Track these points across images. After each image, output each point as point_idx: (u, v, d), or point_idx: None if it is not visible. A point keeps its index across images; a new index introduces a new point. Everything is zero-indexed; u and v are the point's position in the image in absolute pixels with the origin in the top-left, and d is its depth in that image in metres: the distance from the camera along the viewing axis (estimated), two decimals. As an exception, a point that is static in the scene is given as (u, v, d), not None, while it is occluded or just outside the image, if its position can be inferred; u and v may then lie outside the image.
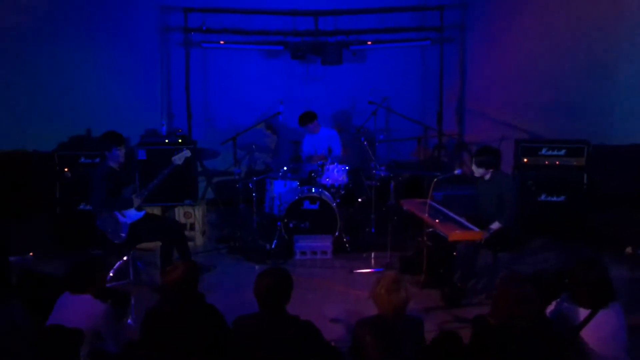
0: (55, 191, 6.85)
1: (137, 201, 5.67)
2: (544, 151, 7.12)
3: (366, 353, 3.39)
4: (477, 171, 5.58)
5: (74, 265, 3.86)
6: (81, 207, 6.83)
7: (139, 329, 3.69)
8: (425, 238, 5.55)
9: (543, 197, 7.03)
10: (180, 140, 7.31)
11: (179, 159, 5.83)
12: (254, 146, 7.51)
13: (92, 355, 3.52)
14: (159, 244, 6.05)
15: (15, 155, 7.19)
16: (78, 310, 3.68)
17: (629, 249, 6.25)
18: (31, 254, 6.51)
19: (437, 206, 5.66)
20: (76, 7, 7.68)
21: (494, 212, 5.52)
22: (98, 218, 5.64)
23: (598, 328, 3.51)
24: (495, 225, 5.39)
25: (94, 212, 5.74)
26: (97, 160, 6.74)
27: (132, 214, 5.68)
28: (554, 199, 7.02)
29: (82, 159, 6.90)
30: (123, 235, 5.60)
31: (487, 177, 5.59)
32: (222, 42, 7.95)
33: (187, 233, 6.97)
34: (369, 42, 8.08)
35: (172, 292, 3.63)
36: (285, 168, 7.19)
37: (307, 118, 7.47)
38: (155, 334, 3.56)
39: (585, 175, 6.97)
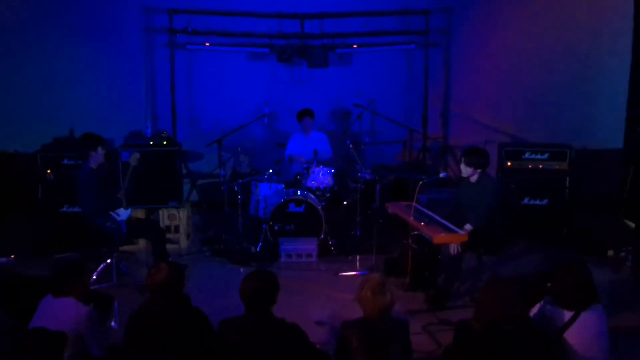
0: (38, 193, 6.77)
1: (125, 200, 5.78)
2: (527, 155, 7.18)
3: (351, 355, 3.39)
4: (465, 171, 5.58)
5: (56, 268, 3.81)
6: (64, 209, 6.75)
7: (123, 332, 3.66)
8: (410, 241, 5.57)
9: (526, 200, 7.10)
10: (164, 142, 7.26)
11: (134, 160, 5.91)
12: (239, 148, 7.49)
13: (74, 358, 3.47)
14: (142, 246, 6.05)
15: (-3, 156, 7.12)
16: (61, 313, 3.64)
17: (611, 252, 6.33)
18: (12, 256, 6.43)
19: (422, 209, 5.67)
20: (60, 7, 7.62)
21: (478, 216, 5.52)
22: (97, 218, 5.67)
23: (581, 330, 3.54)
24: (467, 227, 5.40)
25: (87, 215, 5.72)
26: (80, 162, 6.67)
27: (122, 212, 5.81)
28: (537, 202, 7.09)
29: (65, 161, 6.85)
30: (124, 230, 5.76)
31: (474, 179, 5.58)
32: (207, 44, 7.92)
33: (171, 235, 6.96)
34: (355, 46, 8.10)
35: (157, 295, 3.60)
36: (270, 170, 7.17)
37: (308, 114, 7.47)
38: (139, 336, 3.52)
39: (567, 179, 7.04)
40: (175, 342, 3.40)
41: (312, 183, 7.00)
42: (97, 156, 5.72)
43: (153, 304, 3.62)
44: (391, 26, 8.13)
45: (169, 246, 6.34)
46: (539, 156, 7.17)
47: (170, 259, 5.91)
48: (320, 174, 7.03)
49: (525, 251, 6.71)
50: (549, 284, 3.76)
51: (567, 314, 3.58)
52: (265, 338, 3.37)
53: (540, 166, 7.15)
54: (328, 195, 7.06)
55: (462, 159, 5.60)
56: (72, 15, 7.68)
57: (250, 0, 7.97)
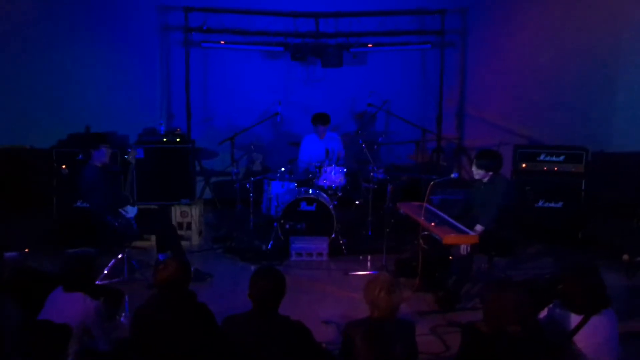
0: (52, 188, 6.83)
1: (130, 197, 5.88)
2: (542, 157, 7.10)
3: (356, 355, 3.37)
4: (477, 173, 5.55)
5: (67, 263, 3.84)
6: (78, 204, 6.81)
7: (130, 326, 3.67)
8: (421, 241, 5.53)
9: (541, 203, 7.02)
10: (178, 139, 7.30)
11: (131, 158, 6.00)
12: (252, 146, 7.50)
13: (81, 353, 3.49)
14: (154, 242, 6.09)
15: (13, 152, 7.20)
16: (69, 306, 3.67)
17: (625, 257, 6.23)
18: (26, 250, 6.49)
19: (434, 209, 5.64)
20: (76, 5, 7.69)
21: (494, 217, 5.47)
22: (108, 215, 5.73)
23: (591, 334, 3.49)
24: (478, 228, 5.37)
25: (97, 212, 5.78)
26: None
27: (130, 209, 5.85)
28: (552, 205, 7.01)
29: (80, 156, 6.88)
30: (135, 226, 5.80)
31: (486, 180, 5.56)
32: (222, 42, 7.95)
33: (183, 232, 6.98)
34: (370, 45, 8.08)
35: (163, 290, 3.61)
36: (282, 169, 7.17)
37: (322, 121, 7.35)
38: (145, 332, 3.53)
39: (583, 182, 6.95)
40: (179, 338, 3.41)
41: (324, 182, 6.99)
42: (100, 155, 5.77)
43: (159, 300, 3.62)
44: (406, 26, 8.09)
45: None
46: (554, 158, 7.08)
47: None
48: (333, 173, 7.00)
49: (538, 254, 6.65)
50: (560, 287, 3.71)
51: (577, 318, 3.53)
52: (269, 335, 3.36)
53: (556, 168, 7.06)
54: (340, 194, 7.04)
55: (474, 161, 5.58)
56: (89, 13, 7.75)
57: (266, -2, 7.99)
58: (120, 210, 5.78)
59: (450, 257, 5.34)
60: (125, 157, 5.98)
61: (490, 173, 5.51)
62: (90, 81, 7.88)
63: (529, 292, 3.45)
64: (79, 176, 5.91)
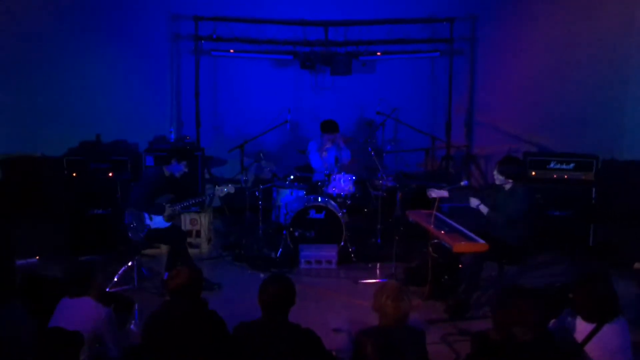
0: (64, 196, 6.87)
1: (168, 211, 5.82)
2: (552, 165, 7.07)
3: (367, 363, 3.37)
4: (498, 178, 5.53)
5: (69, 270, 3.86)
6: (88, 212, 6.84)
7: (141, 333, 3.69)
8: (430, 249, 5.52)
9: (551, 210, 6.98)
10: (187, 147, 7.33)
11: (220, 191, 6.08)
12: (261, 154, 7.52)
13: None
14: (164, 250, 6.11)
15: (25, 160, 7.25)
16: (80, 313, 3.69)
17: (637, 265, 6.19)
18: (37, 257, 6.54)
19: (443, 217, 5.64)
20: (87, 14, 7.76)
21: (504, 225, 5.45)
22: (128, 211, 5.77)
23: (603, 343, 3.46)
24: (483, 209, 5.43)
25: (127, 206, 5.83)
26: (105, 165, 6.80)
27: (159, 221, 5.84)
28: (562, 213, 6.97)
29: (91, 165, 6.93)
30: (142, 235, 5.78)
31: (507, 187, 5.53)
32: (232, 50, 7.99)
33: (192, 240, 7.00)
34: (379, 53, 8.10)
35: (175, 297, 3.62)
36: (292, 177, 7.18)
37: (333, 127, 7.33)
38: (156, 339, 3.55)
39: (593, 190, 6.90)
40: (191, 346, 3.42)
41: (333, 190, 6.99)
42: (175, 168, 5.84)
43: (171, 307, 3.64)
44: (415, 34, 8.10)
45: (190, 250, 6.36)
46: (564, 166, 7.05)
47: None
48: (342, 181, 7.01)
49: (549, 262, 6.62)
50: (570, 295, 3.69)
51: (589, 326, 3.51)
52: (280, 343, 3.36)
53: (566, 176, 7.03)
54: (349, 202, 7.04)
55: (497, 167, 5.54)
56: (100, 23, 7.81)
57: (275, 7, 8.03)
58: (145, 214, 5.77)
59: (460, 265, 5.33)
60: (216, 189, 6.05)
61: (511, 180, 5.48)
62: (101, 89, 7.93)
63: (539, 300, 3.43)
64: (142, 175, 5.97)
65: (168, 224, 5.89)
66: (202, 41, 7.96)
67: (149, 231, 5.81)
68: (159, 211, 5.78)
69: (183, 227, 7.04)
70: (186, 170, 5.91)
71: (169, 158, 5.86)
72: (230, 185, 6.12)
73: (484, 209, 5.46)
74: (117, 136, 7.83)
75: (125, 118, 7.91)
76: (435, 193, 5.49)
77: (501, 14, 8.10)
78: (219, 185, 6.08)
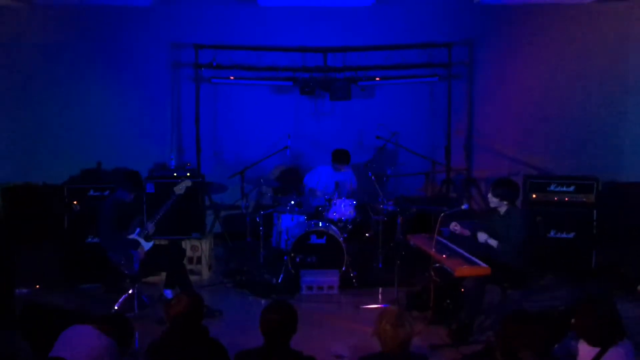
0: (64, 223, 6.87)
1: (142, 239, 5.84)
2: (552, 187, 7.07)
3: (370, 390, 3.33)
4: (492, 201, 5.59)
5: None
6: (89, 240, 6.83)
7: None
8: (432, 274, 5.50)
9: (552, 233, 6.97)
10: (188, 174, 7.35)
11: (179, 188, 6.05)
12: (261, 180, 7.53)
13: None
14: (163, 278, 6.09)
15: (25, 188, 7.26)
16: (82, 342, 3.66)
17: (640, 288, 6.16)
18: (37, 286, 6.51)
19: (444, 241, 5.62)
20: (88, 43, 7.85)
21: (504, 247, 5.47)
22: (109, 251, 5.71)
23: (608, 367, 3.43)
24: (492, 242, 5.40)
25: (102, 246, 5.81)
26: (106, 192, 6.79)
27: (142, 245, 5.83)
28: (563, 235, 6.95)
29: (91, 192, 6.93)
30: (136, 266, 5.75)
31: (502, 210, 5.56)
32: (232, 77, 8.06)
33: (193, 267, 6.98)
34: (377, 78, 8.16)
35: (176, 326, 3.60)
36: (292, 202, 7.19)
37: (346, 158, 7.42)
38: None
39: (595, 212, 6.90)
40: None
41: (334, 215, 6.99)
42: (127, 194, 5.86)
43: (172, 335, 3.61)
44: (413, 59, 8.17)
45: (191, 277, 6.33)
46: (564, 188, 7.05)
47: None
48: (342, 206, 7.01)
49: (551, 286, 6.58)
50: (573, 320, 3.66)
51: (593, 351, 3.47)
52: (281, 371, 3.33)
53: (567, 199, 7.02)
54: (350, 227, 7.03)
55: (490, 190, 5.59)
56: (100, 51, 7.90)
57: (274, 34, 8.12)
58: (133, 252, 5.77)
59: (462, 290, 5.30)
60: (174, 188, 6.03)
61: (506, 203, 5.52)
62: (102, 117, 7.98)
63: (544, 325, 3.41)
64: (98, 208, 5.94)
65: (151, 244, 5.91)
66: (202, 69, 8.03)
67: (141, 260, 5.80)
68: (135, 245, 5.80)
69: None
70: (132, 197, 5.90)
71: (114, 188, 5.93)
72: (187, 180, 6.14)
73: (492, 242, 5.45)
74: (117, 163, 7.84)
75: (126, 145, 7.94)
76: (482, 237, 5.47)
77: (498, 38, 8.18)
78: (176, 186, 6.07)
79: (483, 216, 7.08)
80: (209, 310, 5.71)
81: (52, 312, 4.57)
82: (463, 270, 5.00)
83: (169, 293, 5.97)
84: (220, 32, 8.04)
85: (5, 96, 7.69)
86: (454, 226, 5.63)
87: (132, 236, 5.81)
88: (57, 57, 7.80)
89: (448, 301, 5.58)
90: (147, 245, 5.88)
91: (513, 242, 5.40)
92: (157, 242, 6.21)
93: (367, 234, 7.58)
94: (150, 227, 5.88)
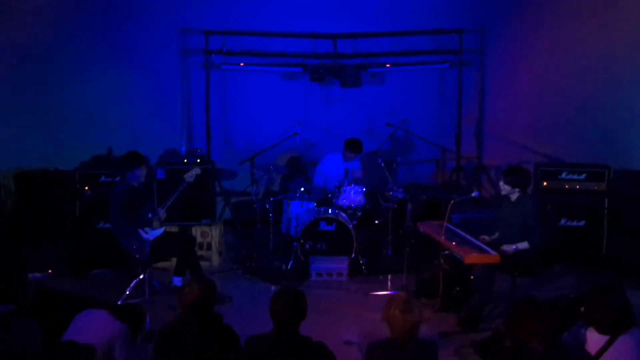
0: (76, 209, 6.92)
1: (156, 219, 5.85)
2: (563, 175, 7.02)
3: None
4: (504, 189, 5.55)
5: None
6: (100, 225, 6.88)
7: (153, 349, 3.68)
8: (442, 261, 5.50)
9: (563, 221, 6.93)
10: (198, 161, 7.37)
11: (189, 176, 6.04)
12: (271, 167, 7.54)
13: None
14: (174, 263, 6.13)
15: (37, 174, 7.30)
16: (94, 326, 3.68)
17: (651, 275, 6.13)
18: (50, 271, 6.57)
19: (454, 229, 5.62)
20: (98, 29, 7.84)
21: (515, 235, 5.46)
22: (120, 237, 5.74)
23: (617, 355, 3.42)
24: (522, 245, 5.36)
25: (114, 232, 5.85)
26: (118, 179, 6.82)
27: (153, 231, 5.86)
28: (574, 223, 6.91)
29: (103, 178, 6.96)
30: (147, 250, 5.80)
31: (514, 197, 5.54)
32: (242, 64, 8.05)
33: (203, 253, 7.01)
34: (388, 65, 8.12)
35: (189, 313, 3.61)
36: (302, 189, 7.19)
37: (358, 147, 7.39)
38: (168, 354, 3.54)
39: (606, 200, 6.85)
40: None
41: (344, 202, 6.99)
42: (135, 176, 5.87)
43: (184, 322, 3.63)
44: (424, 45, 8.12)
45: (201, 263, 6.37)
46: (576, 176, 7.00)
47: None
48: (352, 193, 7.01)
49: (561, 274, 6.56)
50: (582, 308, 3.65)
51: (603, 339, 3.47)
52: (291, 356, 3.35)
53: (578, 187, 6.97)
54: (359, 214, 7.04)
55: (502, 177, 5.56)
56: (111, 38, 7.89)
57: (284, 20, 8.08)
58: (140, 230, 5.80)
59: (472, 277, 5.30)
60: (185, 176, 6.02)
61: (517, 190, 5.49)
62: (113, 103, 7.99)
63: (553, 313, 3.40)
64: (110, 194, 5.96)
65: (162, 230, 5.93)
66: (212, 55, 8.02)
67: (151, 246, 5.83)
68: (148, 225, 5.82)
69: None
70: (144, 173, 5.92)
71: (125, 171, 5.92)
72: (197, 168, 6.13)
73: (522, 245, 5.40)
74: (128, 149, 7.84)
75: (137, 132, 7.95)
76: (509, 248, 5.42)
77: (509, 25, 8.10)
78: (186, 173, 6.05)
79: (493, 204, 7.06)
80: (219, 296, 5.75)
81: (63, 297, 4.61)
82: (472, 258, 4.99)
83: (178, 281, 6.01)
84: (230, 18, 8.01)
85: (16, 82, 7.71)
86: (483, 239, 5.53)
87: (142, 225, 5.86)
88: (68, 43, 7.80)
89: (457, 289, 5.58)
90: (158, 232, 5.90)
91: (537, 232, 5.37)
92: (168, 229, 6.25)
93: (376, 221, 7.58)
94: (162, 213, 5.90)
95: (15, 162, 7.52)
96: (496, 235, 5.69)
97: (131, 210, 5.76)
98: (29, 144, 7.78)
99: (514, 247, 5.40)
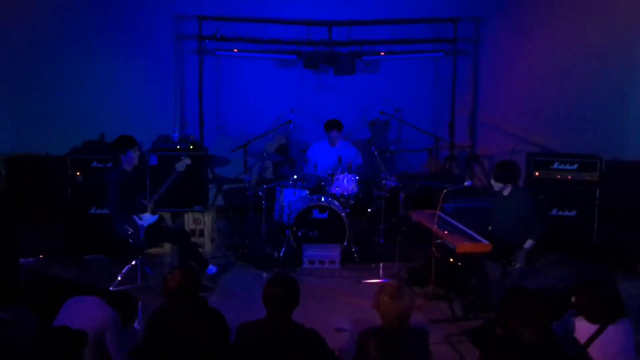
0: (67, 194, 6.89)
1: (150, 205, 5.86)
2: (556, 165, 7.05)
3: (370, 363, 3.37)
4: (496, 185, 5.60)
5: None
6: (92, 211, 6.86)
7: (143, 334, 3.69)
8: (433, 249, 5.52)
9: (554, 211, 6.97)
10: (191, 147, 7.34)
11: (180, 166, 6.01)
12: (264, 154, 7.52)
13: None
14: (167, 249, 6.13)
15: (28, 159, 7.26)
16: (85, 312, 3.68)
17: (640, 266, 6.19)
18: (41, 256, 6.56)
19: (446, 218, 5.64)
20: (92, 14, 7.77)
21: (509, 228, 5.49)
22: (117, 222, 5.73)
23: (606, 344, 3.46)
24: (528, 245, 5.39)
25: (112, 216, 5.83)
26: (109, 164, 6.79)
27: (147, 218, 5.88)
28: (566, 213, 6.96)
29: (95, 163, 6.92)
30: (141, 236, 5.80)
31: (506, 192, 5.57)
32: (235, 50, 8.00)
33: (196, 239, 7.01)
34: (382, 53, 8.09)
35: (172, 299, 3.62)
36: (295, 177, 7.19)
37: (336, 126, 7.41)
38: (157, 340, 3.55)
39: (597, 190, 6.89)
40: (192, 346, 3.41)
41: (337, 190, 6.99)
42: (129, 159, 5.83)
43: (169, 309, 3.64)
44: (419, 34, 8.09)
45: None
46: (568, 166, 7.03)
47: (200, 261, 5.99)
48: (345, 181, 7.01)
49: (553, 264, 6.60)
50: (573, 298, 3.68)
51: (592, 328, 3.50)
52: (283, 342, 3.37)
53: (570, 177, 7.01)
54: (352, 202, 7.04)
55: (492, 173, 5.61)
56: (103, 22, 7.82)
57: (279, 7, 8.03)
58: (135, 217, 5.79)
59: (460, 263, 5.33)
60: (176, 165, 5.98)
61: (509, 185, 5.52)
62: (105, 89, 7.94)
63: (544, 301, 3.43)
64: (105, 179, 5.94)
65: (156, 217, 5.93)
66: (206, 41, 7.96)
67: (146, 231, 5.83)
68: (143, 210, 5.82)
69: (186, 227, 7.07)
70: (137, 155, 5.89)
71: (117, 158, 5.89)
72: (187, 158, 6.08)
73: (528, 244, 5.40)
74: (121, 135, 7.84)
75: (129, 117, 7.90)
76: (521, 258, 5.42)
77: (505, 15, 8.08)
78: (177, 163, 6.02)
79: (486, 193, 7.08)
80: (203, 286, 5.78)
81: (55, 282, 4.61)
82: (464, 247, 5.01)
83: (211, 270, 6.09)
84: (224, 3, 7.95)
85: (8, 67, 7.65)
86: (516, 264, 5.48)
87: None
88: (60, 28, 7.73)
89: (449, 276, 5.61)
90: (152, 218, 5.89)
91: (538, 227, 5.41)
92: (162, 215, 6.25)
93: (369, 210, 7.59)
94: (150, 207, 5.89)
95: (7, 147, 7.48)
96: (489, 229, 5.70)
97: (126, 196, 5.74)
98: (20, 129, 7.73)
99: (523, 255, 5.41)
